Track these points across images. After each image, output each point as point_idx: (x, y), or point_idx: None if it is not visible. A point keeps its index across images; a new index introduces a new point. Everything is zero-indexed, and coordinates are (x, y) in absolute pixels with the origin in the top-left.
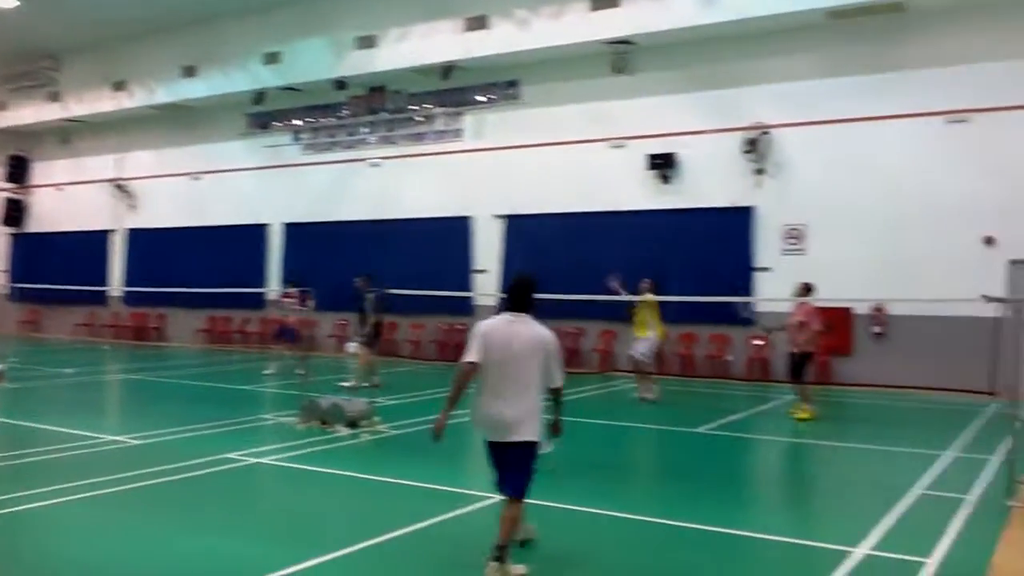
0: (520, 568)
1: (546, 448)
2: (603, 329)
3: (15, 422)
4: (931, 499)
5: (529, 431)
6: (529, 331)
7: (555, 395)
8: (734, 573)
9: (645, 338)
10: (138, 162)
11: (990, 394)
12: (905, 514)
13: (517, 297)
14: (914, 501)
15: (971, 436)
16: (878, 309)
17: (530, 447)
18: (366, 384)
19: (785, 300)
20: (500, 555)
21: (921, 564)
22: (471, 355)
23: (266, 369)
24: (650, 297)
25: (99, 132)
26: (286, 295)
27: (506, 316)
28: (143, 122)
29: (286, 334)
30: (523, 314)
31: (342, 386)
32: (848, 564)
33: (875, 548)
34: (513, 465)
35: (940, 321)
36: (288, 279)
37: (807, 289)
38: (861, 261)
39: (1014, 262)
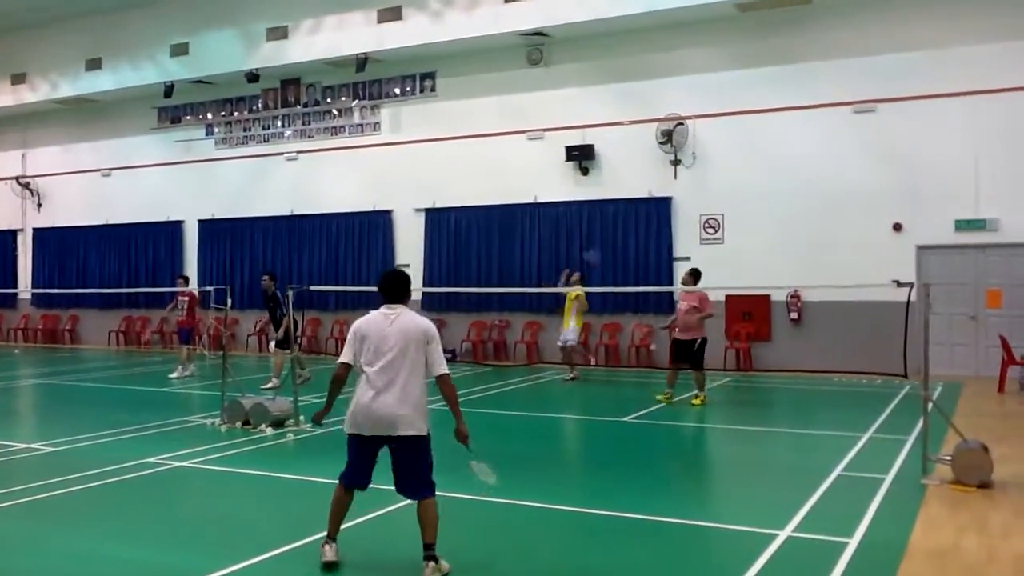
0: (446, 564)
1: (490, 478)
2: (528, 320)
3: None
4: (850, 480)
5: (415, 425)
6: (405, 322)
7: (444, 387)
8: (663, 560)
9: (573, 328)
10: (43, 159)
11: (903, 376)
12: (826, 495)
13: (390, 289)
14: (834, 482)
15: (886, 418)
16: (795, 296)
17: (419, 441)
18: (299, 381)
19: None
20: (430, 553)
21: (843, 544)
22: (344, 356)
23: (171, 372)
24: (579, 289)
25: (0, 128)
26: (180, 294)
27: (382, 310)
28: (47, 117)
29: (182, 334)
30: (398, 305)
31: (264, 388)
32: (773, 547)
33: (798, 530)
34: (407, 465)
35: (854, 306)
36: (179, 276)
37: (696, 276)
38: (777, 249)
39: (921, 247)
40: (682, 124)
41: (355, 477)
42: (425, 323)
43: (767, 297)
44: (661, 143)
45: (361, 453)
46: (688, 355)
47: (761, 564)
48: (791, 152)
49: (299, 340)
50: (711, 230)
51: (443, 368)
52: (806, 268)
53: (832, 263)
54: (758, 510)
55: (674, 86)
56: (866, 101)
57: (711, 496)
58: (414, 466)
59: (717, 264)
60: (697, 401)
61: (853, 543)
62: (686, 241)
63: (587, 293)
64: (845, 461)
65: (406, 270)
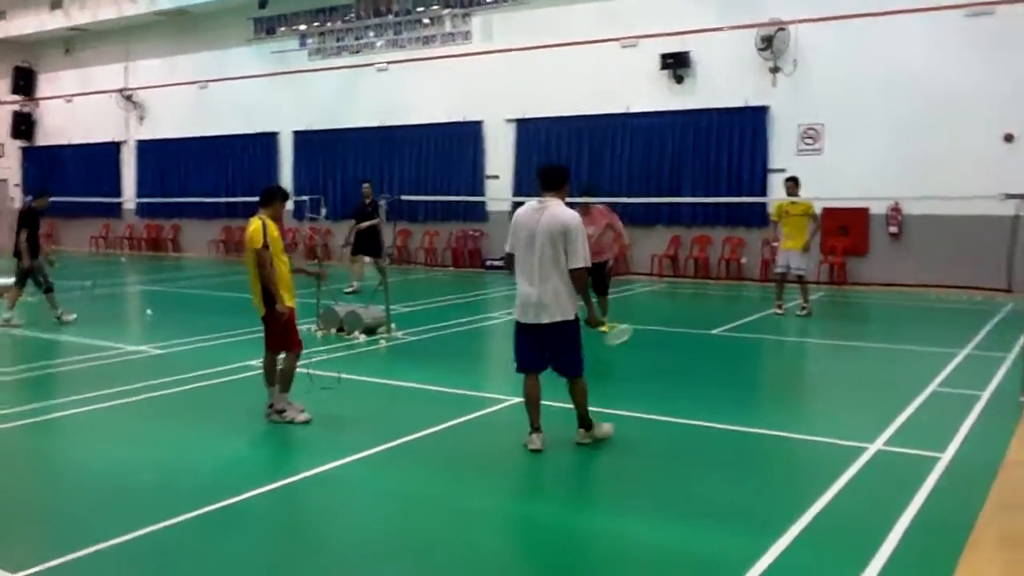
0: (607, 426)
1: (624, 337)
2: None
3: (38, 335)
4: (946, 396)
5: (559, 312)
6: (550, 215)
7: (576, 280)
8: (752, 470)
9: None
10: (145, 71)
11: (1007, 291)
12: (919, 411)
13: (545, 177)
14: (928, 398)
15: (987, 334)
16: (895, 209)
17: (565, 326)
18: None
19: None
20: (585, 423)
21: (935, 459)
22: (508, 246)
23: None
24: (803, 200)
25: (103, 41)
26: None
27: (533, 202)
28: (147, 29)
29: None
30: (551, 197)
31: (347, 292)
32: (863, 459)
33: (889, 444)
34: (555, 347)
35: (958, 221)
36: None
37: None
38: (878, 160)
39: None
40: (783, 29)
41: (525, 362)
42: (567, 216)
43: (865, 210)
44: (760, 50)
45: (523, 339)
46: (598, 278)
47: (850, 476)
48: (897, 59)
49: (391, 251)
50: (810, 140)
51: (577, 262)
52: (909, 181)
53: (937, 176)
54: (849, 424)
55: None
56: (981, 3)
57: (801, 409)
58: (566, 348)
59: (815, 175)
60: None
61: (946, 458)
62: (783, 152)
63: (675, 204)
64: (941, 377)
65: (495, 182)
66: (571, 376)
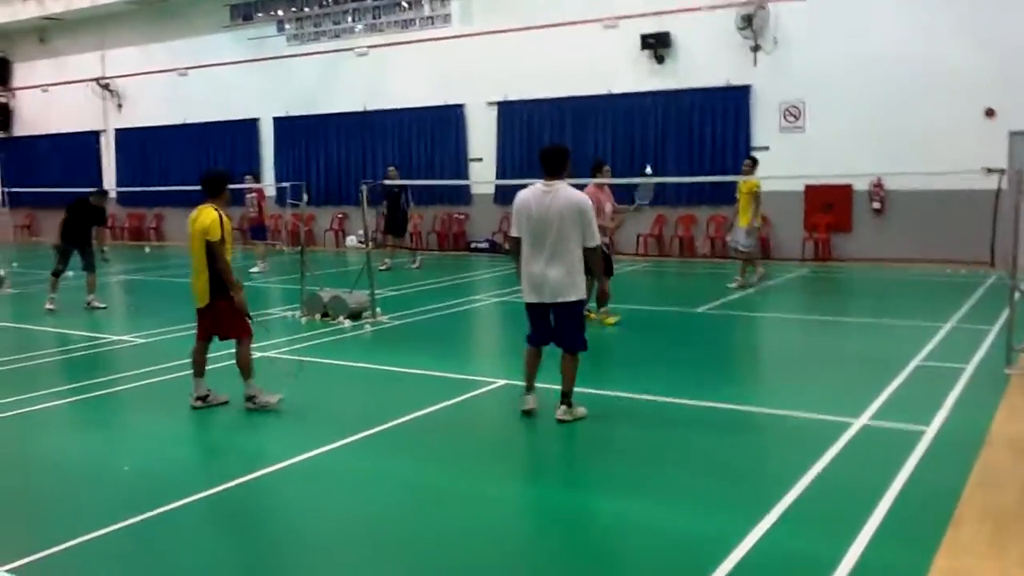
0: (582, 409)
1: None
2: None
3: (21, 326)
4: (931, 370)
5: (572, 292)
6: (561, 198)
7: (592, 257)
8: (737, 446)
9: (748, 228)
10: (121, 59)
11: (990, 265)
12: (904, 385)
13: (548, 162)
14: (913, 372)
15: (970, 308)
16: (878, 185)
17: (576, 306)
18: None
19: (784, 178)
20: (567, 400)
21: (920, 432)
22: (513, 231)
23: (252, 268)
24: (753, 178)
25: (78, 30)
26: (247, 191)
27: (539, 185)
28: (123, 17)
29: (255, 231)
30: (556, 180)
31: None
32: (848, 434)
33: (875, 418)
34: (562, 324)
35: (940, 195)
36: (247, 172)
37: (599, 167)
38: (862, 137)
39: (1015, 133)
40: (763, 8)
41: (536, 337)
42: (579, 198)
43: (849, 187)
44: (740, 29)
45: (535, 317)
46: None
47: (836, 451)
48: (878, 35)
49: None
50: (792, 118)
51: (592, 241)
52: (891, 157)
53: (919, 151)
54: (834, 399)
55: None
56: None
57: (786, 385)
58: (573, 325)
59: (798, 153)
60: (612, 319)
61: (931, 431)
62: (765, 130)
63: (660, 184)
64: (925, 351)
65: (478, 164)
66: (575, 351)
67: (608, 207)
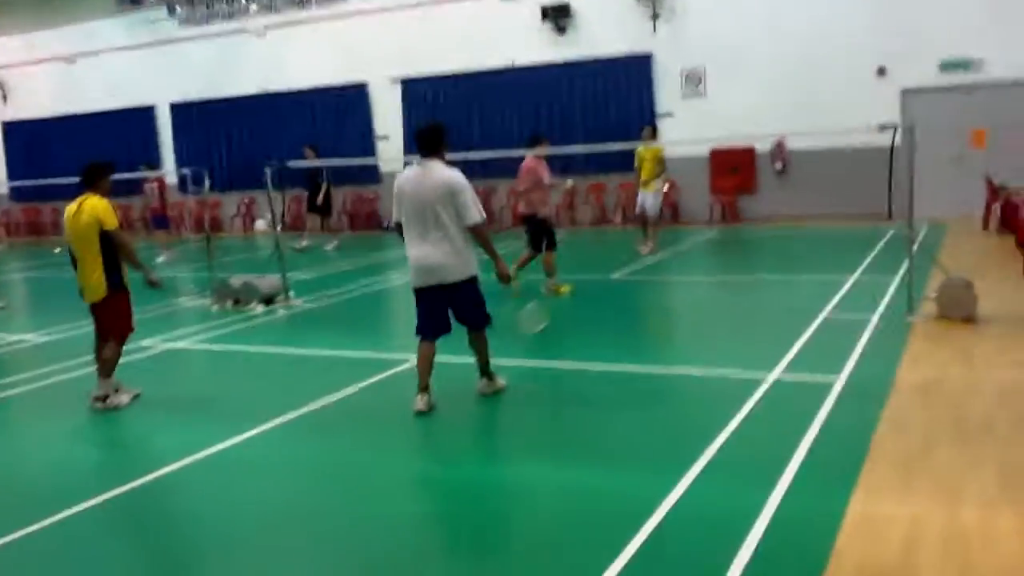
0: (502, 381)
1: (537, 327)
2: (510, 187)
3: None
4: (837, 322)
5: (461, 271)
6: (434, 177)
7: (477, 236)
8: (657, 408)
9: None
10: (4, 49)
11: (888, 218)
12: (813, 338)
13: (424, 142)
14: (821, 325)
15: (872, 260)
16: (779, 146)
17: (469, 283)
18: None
19: (689, 143)
20: (486, 374)
21: (830, 383)
22: (395, 215)
23: (158, 258)
24: (657, 145)
25: None
26: (146, 180)
27: (416, 166)
28: (5, 4)
29: (158, 221)
30: (432, 159)
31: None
32: (760, 390)
33: (787, 371)
34: (461, 305)
35: (839, 154)
36: (143, 162)
37: (537, 140)
38: (763, 100)
39: (906, 91)
40: None
41: (428, 327)
42: (451, 176)
43: (751, 150)
44: None
45: (426, 303)
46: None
47: (749, 408)
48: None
49: (284, 218)
50: (693, 85)
51: (472, 218)
52: (791, 118)
53: (817, 111)
54: (745, 356)
55: None
56: None
57: (699, 346)
58: (468, 304)
59: (701, 119)
60: (564, 288)
61: (840, 382)
62: (669, 97)
63: (568, 156)
64: (831, 304)
65: (385, 142)
66: (479, 328)
67: (546, 178)
